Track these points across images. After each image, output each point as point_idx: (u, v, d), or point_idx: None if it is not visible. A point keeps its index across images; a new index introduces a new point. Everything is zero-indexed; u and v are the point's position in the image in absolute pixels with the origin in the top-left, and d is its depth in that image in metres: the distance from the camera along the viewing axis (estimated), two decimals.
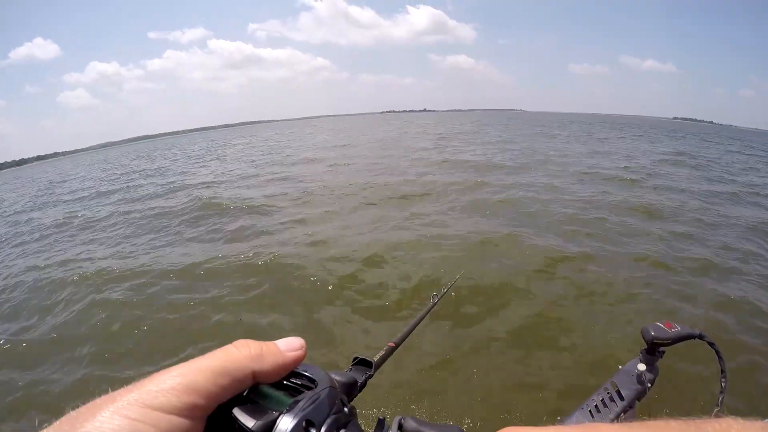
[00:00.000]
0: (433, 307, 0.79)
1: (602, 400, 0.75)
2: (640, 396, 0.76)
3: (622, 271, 3.72)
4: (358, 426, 0.30)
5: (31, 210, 10.42)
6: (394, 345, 0.57)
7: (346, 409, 0.30)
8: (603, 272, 3.70)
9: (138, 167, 18.18)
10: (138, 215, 7.37)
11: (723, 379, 0.79)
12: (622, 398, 0.75)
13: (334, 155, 14.14)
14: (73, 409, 0.25)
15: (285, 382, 0.30)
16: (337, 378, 0.37)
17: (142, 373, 0.26)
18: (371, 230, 5.16)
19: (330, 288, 3.62)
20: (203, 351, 0.27)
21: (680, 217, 5.50)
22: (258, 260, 4.34)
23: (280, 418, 0.26)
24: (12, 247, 6.74)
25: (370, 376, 0.44)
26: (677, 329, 0.77)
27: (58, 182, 18.40)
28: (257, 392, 0.28)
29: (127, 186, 11.70)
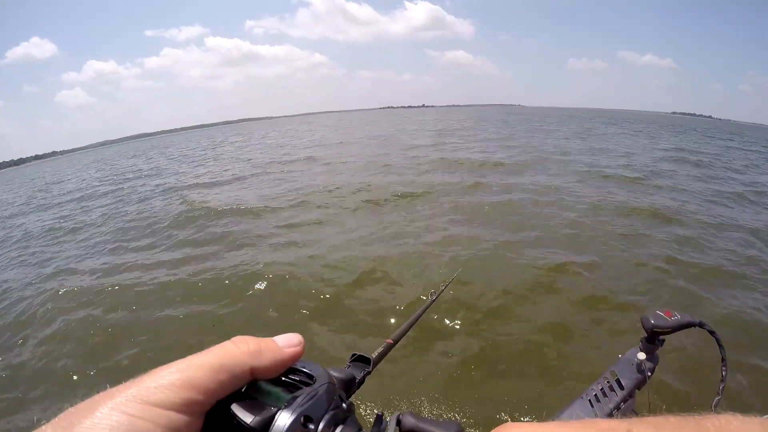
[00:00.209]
0: (431, 304, 0.79)
1: (602, 389, 0.75)
2: (639, 385, 0.76)
3: (625, 281, 3.54)
4: (357, 422, 0.30)
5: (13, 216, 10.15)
6: (392, 342, 0.57)
7: (344, 405, 0.30)
8: (607, 281, 3.52)
9: (132, 168, 17.89)
10: (123, 223, 7.01)
11: (723, 368, 0.79)
12: (621, 387, 0.74)
13: (331, 154, 13.91)
14: (71, 405, 0.25)
15: (283, 379, 0.30)
16: (336, 374, 0.37)
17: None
18: (364, 241, 4.80)
19: (313, 305, 3.39)
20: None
21: (685, 219, 5.24)
22: (248, 271, 4.07)
23: (278, 413, 0.26)
24: None
25: (368, 373, 0.44)
26: (677, 317, 0.76)
27: (53, 183, 18.25)
28: (255, 388, 0.28)
29: (117, 189, 11.37)
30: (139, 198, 9.21)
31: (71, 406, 0.25)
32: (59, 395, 2.67)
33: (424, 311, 0.74)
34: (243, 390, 0.28)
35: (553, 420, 0.72)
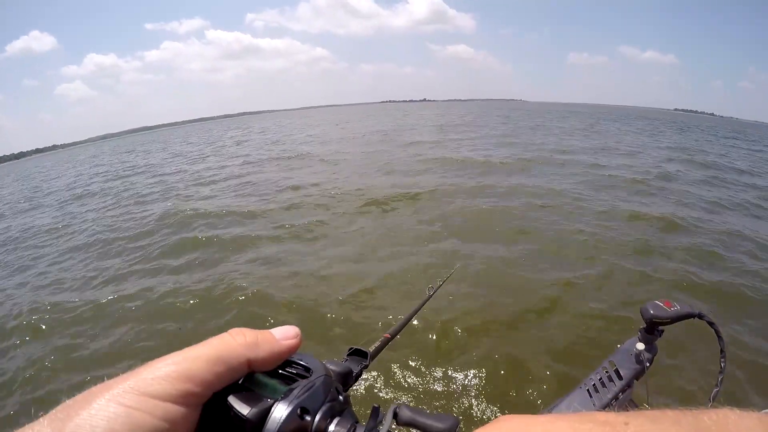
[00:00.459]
0: (428, 299, 0.80)
1: (600, 379, 0.74)
2: (638, 375, 0.76)
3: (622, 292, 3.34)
4: (353, 414, 0.30)
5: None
6: (389, 336, 0.57)
7: (341, 397, 0.30)
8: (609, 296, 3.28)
9: (127, 164, 17.51)
10: (109, 227, 6.58)
11: (722, 359, 0.78)
12: (620, 378, 0.74)
13: (330, 150, 13.57)
14: (68, 397, 0.25)
15: (280, 371, 0.30)
16: (333, 368, 0.37)
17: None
18: (357, 252, 4.40)
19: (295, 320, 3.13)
20: None
21: (698, 229, 4.85)
22: (232, 285, 3.77)
23: (275, 405, 0.26)
24: None
25: (366, 367, 0.44)
26: (677, 308, 0.75)
27: (49, 180, 17.98)
28: (252, 380, 0.28)
29: (104, 189, 11.05)
30: (126, 200, 8.81)
31: (68, 398, 0.25)
32: None
33: (421, 306, 0.75)
34: (240, 382, 0.28)
35: (551, 409, 0.73)
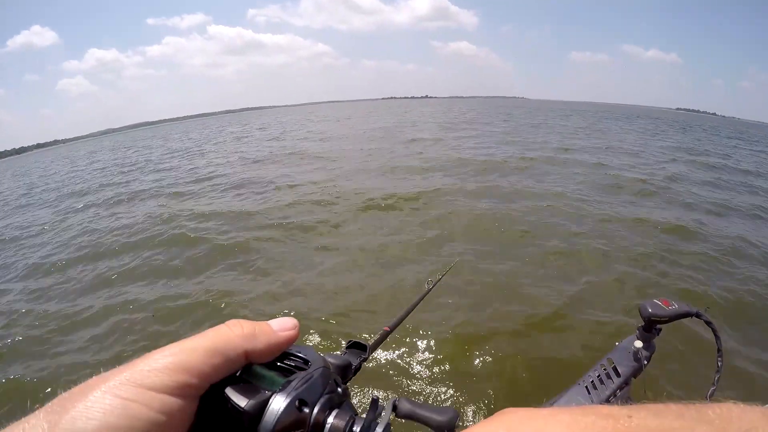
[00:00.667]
0: (428, 293, 0.80)
1: (599, 376, 0.75)
2: (636, 373, 0.76)
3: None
4: (352, 406, 0.30)
5: None
6: (388, 329, 0.57)
7: (339, 389, 0.30)
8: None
9: (120, 163, 17.08)
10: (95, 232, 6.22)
11: (719, 358, 0.78)
12: (618, 375, 0.75)
13: (330, 148, 13.37)
14: (65, 390, 0.25)
15: (278, 363, 0.30)
16: (332, 360, 0.37)
17: None
18: (355, 261, 4.12)
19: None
20: None
21: (707, 235, 4.63)
22: (220, 291, 3.63)
23: (272, 397, 0.26)
24: None
25: (365, 359, 0.44)
26: (675, 307, 0.76)
27: (47, 174, 17.92)
28: (250, 372, 0.28)
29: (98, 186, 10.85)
30: (117, 198, 8.66)
31: (65, 391, 0.25)
32: None
33: (420, 300, 0.75)
34: (237, 374, 0.28)
35: (550, 404, 0.73)
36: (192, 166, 12.12)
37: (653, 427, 0.20)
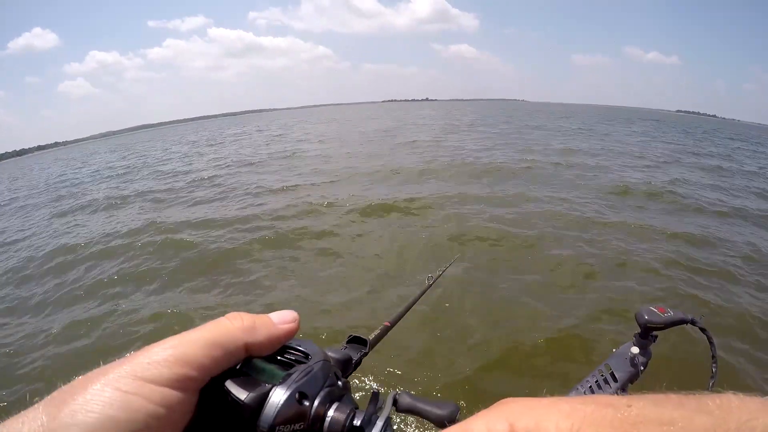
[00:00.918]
0: (428, 288, 0.80)
1: (596, 381, 0.77)
2: (633, 379, 0.78)
3: None
4: (353, 400, 0.30)
5: None
6: (389, 324, 0.57)
7: (340, 383, 0.30)
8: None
9: (119, 164, 17.07)
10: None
11: (714, 365, 0.80)
12: (615, 380, 0.76)
13: (325, 153, 12.95)
14: (65, 383, 0.25)
15: (278, 357, 0.30)
16: (332, 355, 0.37)
17: None
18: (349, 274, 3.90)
19: None
20: None
21: (721, 244, 4.45)
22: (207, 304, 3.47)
23: (273, 390, 0.26)
24: None
25: (365, 354, 0.44)
26: (670, 314, 0.77)
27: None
28: (250, 366, 0.28)
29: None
30: (105, 201, 8.59)
31: (65, 384, 0.24)
32: None
33: (421, 295, 0.75)
34: (238, 367, 0.28)
35: None
36: (191, 169, 12.07)
37: (653, 416, 0.20)
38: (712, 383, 0.79)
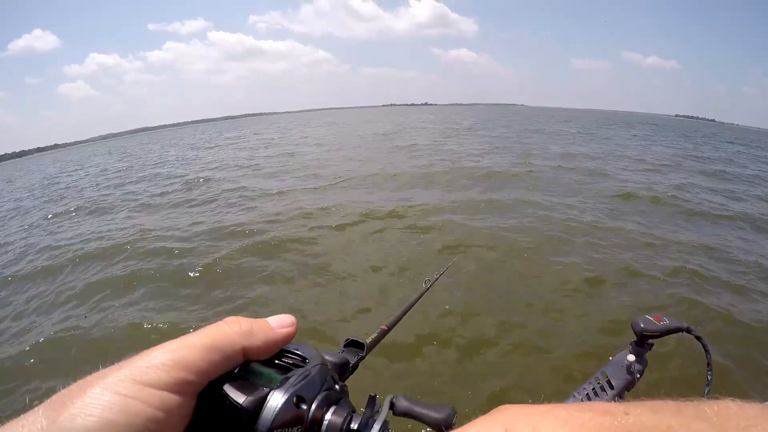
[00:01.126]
0: (425, 292, 0.80)
1: (593, 389, 0.77)
2: (629, 386, 0.79)
3: None
4: (350, 403, 0.30)
5: None
6: (386, 328, 0.57)
7: (337, 386, 0.30)
8: None
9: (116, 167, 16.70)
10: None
11: (709, 373, 0.81)
12: (612, 387, 0.77)
13: (323, 157, 12.87)
14: (64, 387, 0.25)
15: (276, 361, 0.30)
16: (329, 358, 0.37)
17: None
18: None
19: None
20: None
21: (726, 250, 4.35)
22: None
23: (270, 393, 0.26)
24: None
25: (362, 358, 0.44)
26: (666, 322, 0.78)
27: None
28: (248, 370, 0.28)
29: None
30: (90, 205, 8.50)
31: (64, 387, 0.25)
32: None
33: (418, 299, 0.75)
34: (235, 371, 0.28)
35: None
36: (184, 173, 11.89)
37: (650, 423, 0.20)
38: (708, 390, 0.80)
